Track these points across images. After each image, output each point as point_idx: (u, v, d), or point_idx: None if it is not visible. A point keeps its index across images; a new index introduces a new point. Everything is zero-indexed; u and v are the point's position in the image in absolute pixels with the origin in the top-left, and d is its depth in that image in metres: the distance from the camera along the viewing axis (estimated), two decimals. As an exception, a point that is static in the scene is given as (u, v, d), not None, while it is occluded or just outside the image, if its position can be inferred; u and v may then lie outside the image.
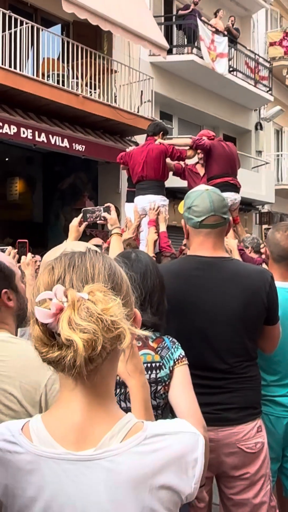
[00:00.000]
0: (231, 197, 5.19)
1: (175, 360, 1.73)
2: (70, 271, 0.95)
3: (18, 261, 3.08)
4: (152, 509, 0.92)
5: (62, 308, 0.88)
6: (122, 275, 1.02)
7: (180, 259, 2.47)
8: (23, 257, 3.10)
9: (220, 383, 2.04)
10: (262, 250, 4.58)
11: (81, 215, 2.81)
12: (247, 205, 15.19)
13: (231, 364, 2.05)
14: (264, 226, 15.95)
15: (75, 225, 2.80)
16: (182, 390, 1.69)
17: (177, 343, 1.78)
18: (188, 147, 5.24)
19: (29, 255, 3.14)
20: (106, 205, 2.85)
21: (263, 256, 4.52)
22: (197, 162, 5.39)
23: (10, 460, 0.95)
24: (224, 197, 2.19)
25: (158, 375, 1.70)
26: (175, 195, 12.04)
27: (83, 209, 2.84)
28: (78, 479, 0.91)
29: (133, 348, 1.33)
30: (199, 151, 5.28)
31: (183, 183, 5.54)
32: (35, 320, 0.90)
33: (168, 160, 5.19)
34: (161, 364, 1.71)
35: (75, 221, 2.80)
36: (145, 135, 5.66)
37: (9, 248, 3.14)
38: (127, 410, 1.11)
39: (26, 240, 3.17)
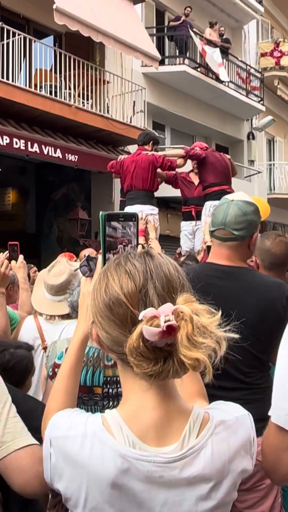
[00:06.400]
0: None
1: None
2: (149, 278, 0.95)
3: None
4: (228, 493, 0.99)
5: (174, 327, 0.88)
6: (183, 274, 1.01)
7: (197, 265, 2.43)
8: (13, 261, 3.02)
9: (236, 394, 1.93)
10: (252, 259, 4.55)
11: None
12: (240, 214, 15.20)
13: (246, 375, 1.98)
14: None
15: None
16: (189, 375, 1.63)
17: None
18: (179, 158, 5.25)
19: (21, 257, 3.07)
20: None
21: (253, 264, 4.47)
22: (191, 171, 5.39)
23: None
24: (247, 212, 2.03)
25: None
26: (168, 205, 12.05)
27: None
28: (162, 480, 0.95)
29: None
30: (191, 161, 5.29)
31: (176, 193, 5.53)
32: (140, 337, 0.89)
33: (159, 169, 5.20)
34: None
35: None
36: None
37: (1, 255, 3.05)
38: None
39: (17, 242, 3.06)
